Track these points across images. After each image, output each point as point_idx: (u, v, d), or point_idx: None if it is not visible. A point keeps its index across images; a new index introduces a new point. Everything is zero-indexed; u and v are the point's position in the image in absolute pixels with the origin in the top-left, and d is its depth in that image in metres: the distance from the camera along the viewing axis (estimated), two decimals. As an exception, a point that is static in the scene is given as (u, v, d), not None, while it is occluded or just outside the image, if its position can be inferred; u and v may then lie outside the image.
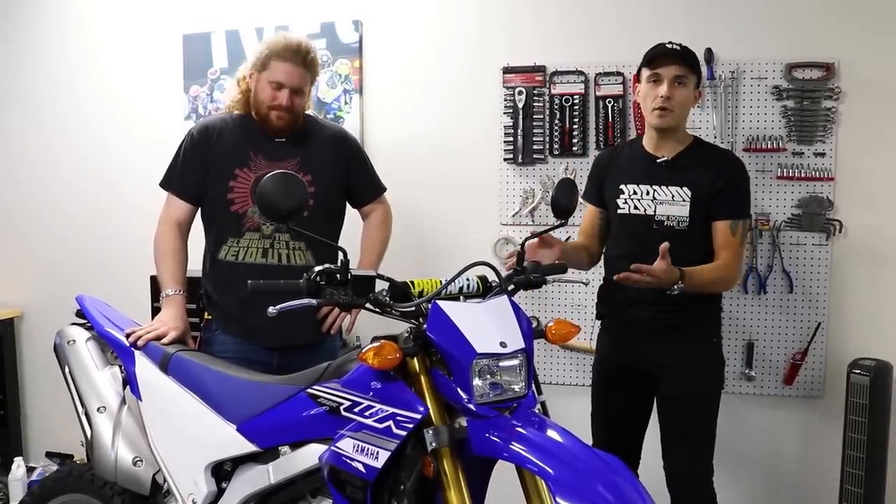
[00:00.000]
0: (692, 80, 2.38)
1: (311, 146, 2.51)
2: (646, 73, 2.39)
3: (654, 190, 2.39)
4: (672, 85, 2.33)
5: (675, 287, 2.21)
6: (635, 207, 2.42)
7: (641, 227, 2.39)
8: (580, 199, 2.41)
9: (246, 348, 2.42)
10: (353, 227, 2.65)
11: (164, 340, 2.28)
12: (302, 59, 2.43)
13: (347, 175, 2.58)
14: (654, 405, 2.50)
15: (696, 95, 2.43)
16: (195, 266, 2.55)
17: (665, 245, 2.16)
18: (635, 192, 2.42)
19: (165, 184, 2.53)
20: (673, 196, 2.36)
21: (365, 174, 2.65)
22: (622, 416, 2.51)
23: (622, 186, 2.44)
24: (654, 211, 2.38)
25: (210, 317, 2.51)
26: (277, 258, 2.43)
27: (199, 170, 2.47)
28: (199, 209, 2.54)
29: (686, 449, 2.39)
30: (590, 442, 1.98)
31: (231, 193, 2.43)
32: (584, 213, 2.65)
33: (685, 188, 2.35)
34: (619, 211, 2.45)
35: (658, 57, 2.36)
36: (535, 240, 2.23)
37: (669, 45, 2.37)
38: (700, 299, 2.35)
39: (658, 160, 2.40)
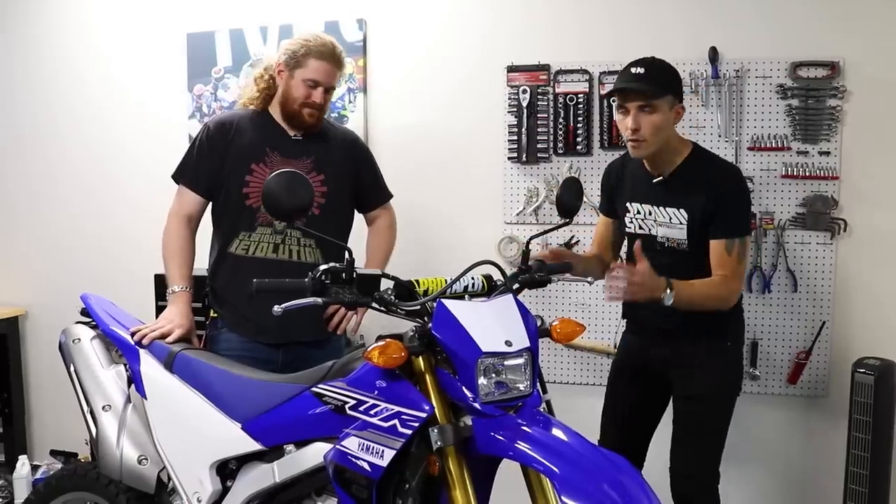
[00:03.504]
0: (663, 101, 2.23)
1: (325, 146, 2.52)
2: (616, 100, 2.31)
3: (655, 210, 2.36)
4: (638, 115, 2.23)
5: (665, 295, 2.16)
6: (640, 227, 2.41)
7: (648, 247, 2.33)
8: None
9: (251, 346, 2.43)
10: (358, 230, 2.65)
11: (169, 339, 2.29)
12: (337, 58, 2.46)
13: (357, 178, 2.59)
14: (669, 407, 2.49)
15: (676, 112, 2.28)
16: (201, 265, 2.55)
17: (637, 243, 2.19)
18: (639, 212, 2.40)
19: (178, 176, 2.52)
20: (670, 218, 2.33)
21: (374, 179, 2.67)
22: (630, 414, 2.51)
23: (628, 204, 2.43)
24: (657, 232, 2.37)
25: (216, 314, 2.51)
26: (288, 254, 2.44)
27: (214, 163, 2.46)
28: (210, 204, 2.53)
29: (691, 450, 2.37)
30: (595, 440, 1.98)
31: (247, 188, 2.44)
32: (598, 222, 2.66)
33: (682, 210, 2.30)
34: (627, 230, 2.45)
35: (619, 90, 2.27)
36: (547, 252, 2.25)
37: (634, 70, 2.24)
38: None
39: (654, 180, 2.36)
